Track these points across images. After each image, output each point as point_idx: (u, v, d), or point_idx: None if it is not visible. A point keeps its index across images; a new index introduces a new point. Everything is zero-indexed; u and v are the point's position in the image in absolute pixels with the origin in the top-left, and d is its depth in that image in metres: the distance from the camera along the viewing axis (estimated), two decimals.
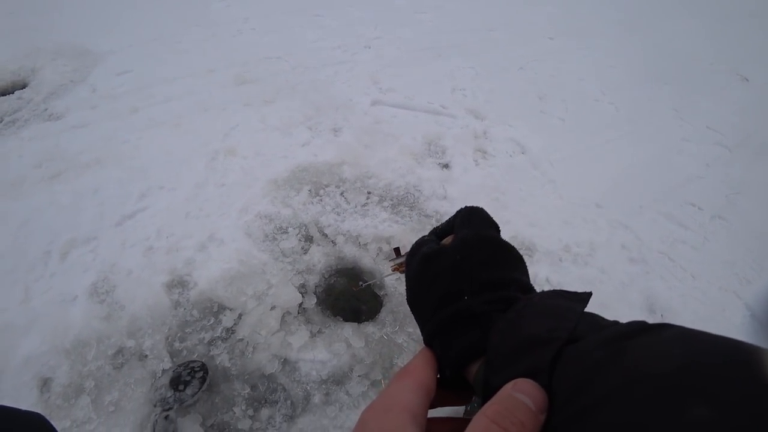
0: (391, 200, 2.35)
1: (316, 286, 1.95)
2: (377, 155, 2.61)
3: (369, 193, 2.38)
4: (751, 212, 2.64)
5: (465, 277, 0.36)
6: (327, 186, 2.39)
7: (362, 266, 2.03)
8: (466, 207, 0.44)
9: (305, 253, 2.05)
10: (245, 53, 3.53)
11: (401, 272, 0.53)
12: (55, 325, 1.72)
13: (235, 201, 2.25)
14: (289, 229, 2.14)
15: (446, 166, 2.64)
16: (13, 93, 3.07)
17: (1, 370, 1.60)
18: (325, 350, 1.72)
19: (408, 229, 2.19)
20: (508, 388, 0.26)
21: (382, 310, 1.89)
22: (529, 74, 3.67)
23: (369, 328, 1.81)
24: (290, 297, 1.85)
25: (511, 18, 4.69)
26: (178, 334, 1.74)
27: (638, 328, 0.25)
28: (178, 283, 1.90)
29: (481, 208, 0.44)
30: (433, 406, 0.32)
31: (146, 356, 1.67)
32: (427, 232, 0.48)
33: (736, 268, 2.30)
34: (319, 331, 1.79)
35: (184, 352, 1.69)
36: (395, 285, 1.94)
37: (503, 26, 4.47)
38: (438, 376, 0.34)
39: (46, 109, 2.89)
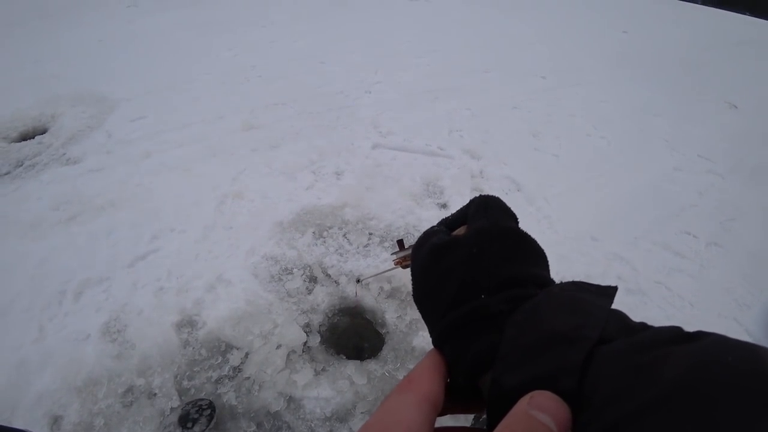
0: (392, 241, 2.42)
1: (320, 325, 2.00)
2: (378, 197, 2.69)
3: (370, 234, 2.46)
4: (745, 237, 2.68)
5: (482, 273, 0.33)
6: (330, 228, 2.47)
7: (364, 305, 2.09)
8: (481, 195, 0.40)
9: (309, 294, 2.12)
10: (252, 100, 3.70)
11: (404, 267, 0.49)
12: (67, 363, 1.77)
13: (242, 243, 2.33)
14: (294, 270, 2.22)
15: (444, 206, 2.71)
16: (33, 138, 3.22)
17: (14, 407, 1.64)
18: (329, 388, 1.76)
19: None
20: (523, 405, 0.23)
21: (384, 347, 1.93)
22: (523, 113, 3.81)
23: (371, 365, 1.85)
24: (295, 336, 1.90)
25: (505, 59, 4.90)
26: (187, 373, 1.79)
27: (679, 334, 0.24)
28: (187, 323, 1.96)
29: (498, 197, 0.40)
30: (441, 414, 0.30)
31: (155, 394, 1.71)
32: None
33: (734, 294, 2.32)
34: (323, 369, 1.83)
35: (192, 391, 1.74)
36: (396, 323, 1.99)
37: (498, 67, 4.67)
38: (448, 380, 0.32)
39: (64, 154, 3.02)
